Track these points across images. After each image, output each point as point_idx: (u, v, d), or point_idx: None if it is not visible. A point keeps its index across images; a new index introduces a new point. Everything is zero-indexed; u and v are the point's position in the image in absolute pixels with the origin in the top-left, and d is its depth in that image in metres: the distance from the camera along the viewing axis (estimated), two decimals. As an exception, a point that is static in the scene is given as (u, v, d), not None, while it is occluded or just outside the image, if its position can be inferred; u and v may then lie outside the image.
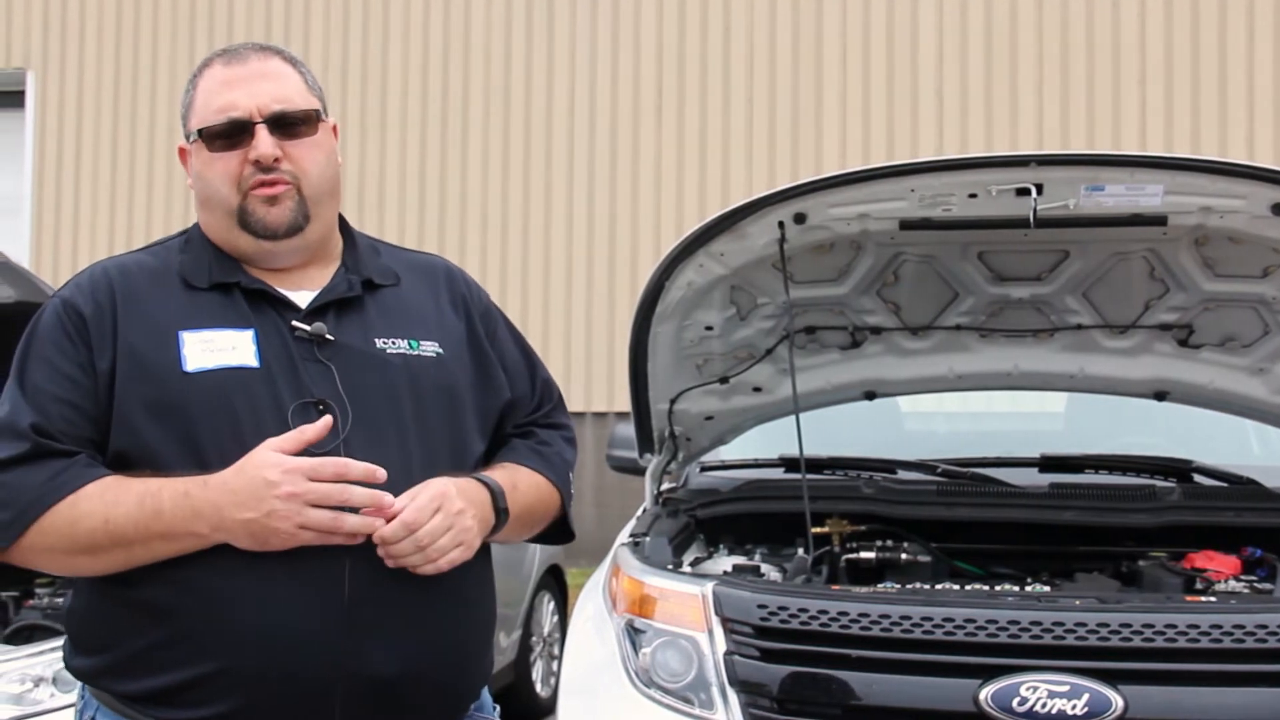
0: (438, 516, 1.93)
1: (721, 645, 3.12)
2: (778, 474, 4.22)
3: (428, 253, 2.34)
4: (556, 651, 6.51)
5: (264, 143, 2.01)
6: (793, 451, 3.78)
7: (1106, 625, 2.94)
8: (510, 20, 11.14)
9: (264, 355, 1.98)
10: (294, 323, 2.02)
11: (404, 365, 2.06)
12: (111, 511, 1.88)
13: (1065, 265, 3.77)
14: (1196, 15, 10.12)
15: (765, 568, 3.67)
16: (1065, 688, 2.88)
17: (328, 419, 1.92)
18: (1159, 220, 3.48)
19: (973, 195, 3.40)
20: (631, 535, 3.75)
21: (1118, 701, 2.86)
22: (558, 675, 3.65)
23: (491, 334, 2.25)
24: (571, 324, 10.70)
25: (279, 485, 1.84)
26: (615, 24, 10.96)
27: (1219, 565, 3.59)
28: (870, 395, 4.32)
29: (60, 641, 3.78)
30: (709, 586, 3.21)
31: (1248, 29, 10.06)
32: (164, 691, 1.92)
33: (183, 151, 2.12)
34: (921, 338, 4.09)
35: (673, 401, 4.07)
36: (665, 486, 4.22)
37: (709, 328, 3.92)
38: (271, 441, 1.88)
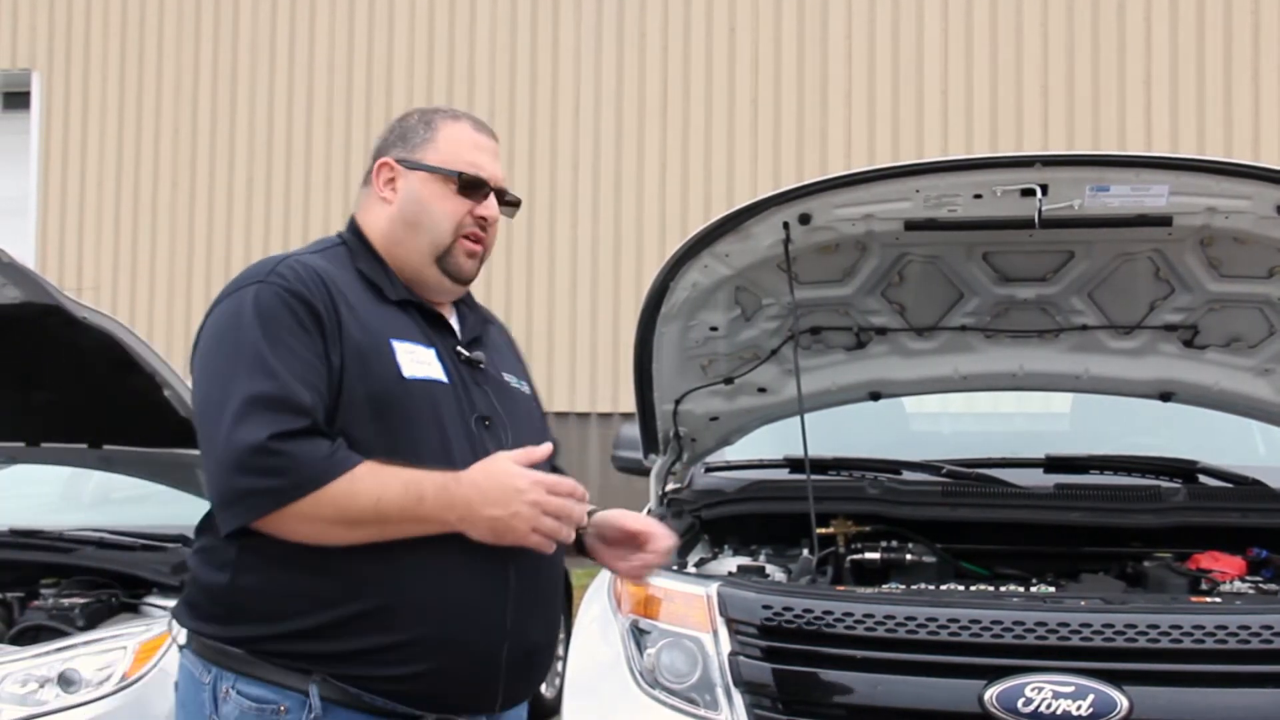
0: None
1: (726, 646, 3.12)
2: (783, 475, 4.21)
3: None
4: (561, 652, 6.51)
5: (494, 206, 2.40)
6: (797, 452, 3.78)
7: (1112, 626, 2.94)
8: (515, 18, 11.14)
9: (448, 372, 2.30)
10: (459, 348, 2.37)
11: (520, 396, 2.46)
12: (383, 493, 2.12)
13: (1070, 266, 3.77)
14: (1202, 15, 10.10)
15: (770, 568, 3.67)
16: (1070, 688, 2.88)
17: (548, 446, 2.25)
18: (1164, 221, 3.49)
19: (978, 196, 3.40)
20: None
21: (1123, 702, 2.86)
22: (562, 676, 3.65)
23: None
24: (577, 324, 10.69)
25: (527, 493, 2.15)
26: (620, 22, 10.96)
27: (1224, 566, 3.59)
28: (875, 396, 4.33)
29: (66, 642, 3.83)
30: (714, 587, 3.21)
31: (1253, 29, 10.04)
32: (361, 653, 2.17)
33: (384, 165, 2.41)
34: (927, 338, 4.09)
35: (678, 402, 4.07)
36: (670, 487, 4.23)
37: (714, 328, 3.92)
38: (507, 454, 2.20)
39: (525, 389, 2.49)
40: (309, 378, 2.15)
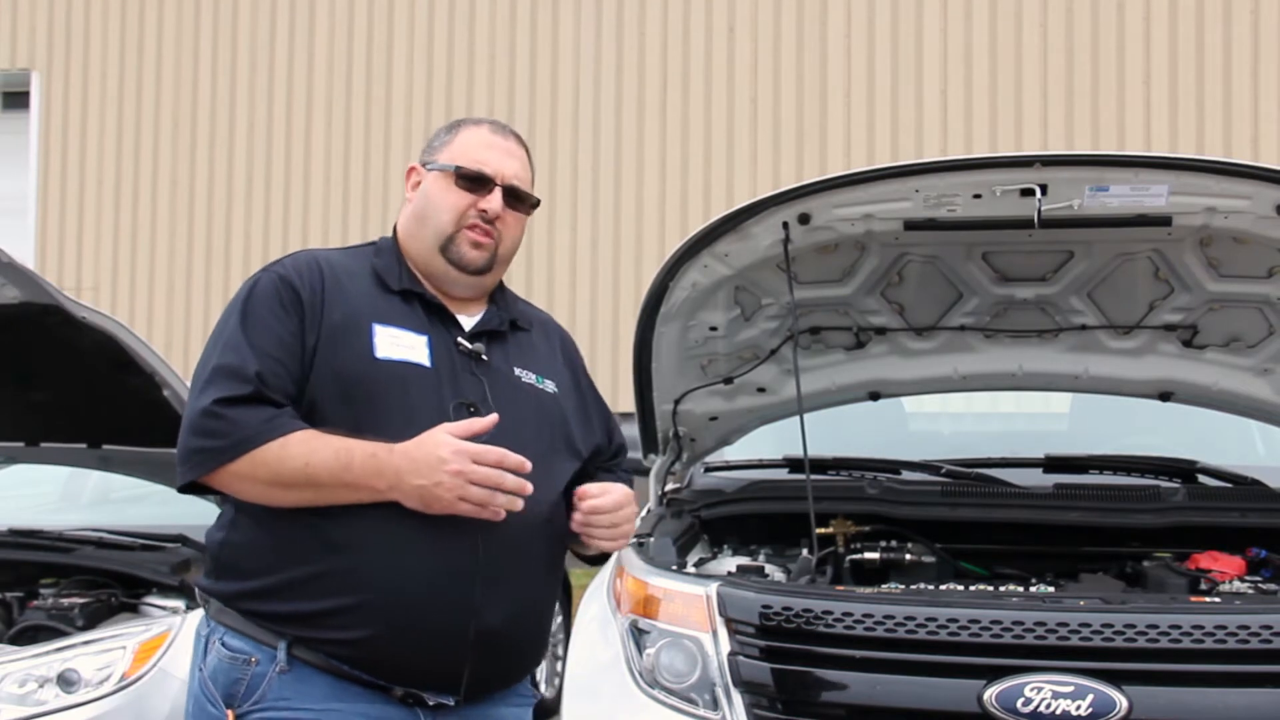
0: (628, 508, 2.46)
1: (726, 646, 3.12)
2: (782, 474, 4.21)
3: (546, 312, 2.82)
4: (561, 652, 6.50)
5: (496, 200, 2.51)
6: (797, 452, 3.78)
7: (1111, 626, 2.94)
8: (515, 18, 11.14)
9: (435, 359, 2.40)
10: (459, 339, 2.47)
11: (532, 391, 2.53)
12: (312, 457, 2.25)
13: (1070, 266, 3.77)
14: (1201, 14, 10.10)
15: (769, 568, 3.67)
16: (1070, 688, 2.88)
17: (494, 416, 2.31)
18: (1164, 221, 3.48)
19: (977, 196, 3.40)
20: (636, 536, 3.75)
21: (1122, 702, 2.85)
22: (562, 676, 3.65)
23: (589, 389, 2.74)
24: (576, 324, 10.68)
25: (449, 463, 2.22)
26: (620, 23, 10.95)
27: (1224, 566, 3.58)
28: (875, 396, 4.33)
29: (65, 642, 3.83)
30: (713, 587, 3.21)
31: (1252, 28, 10.04)
32: (317, 614, 2.27)
33: (413, 170, 2.60)
34: (926, 338, 4.09)
35: (677, 402, 4.07)
36: (670, 487, 4.22)
37: (713, 328, 3.92)
38: (446, 426, 2.28)
39: (548, 387, 2.56)
40: (271, 350, 2.31)
